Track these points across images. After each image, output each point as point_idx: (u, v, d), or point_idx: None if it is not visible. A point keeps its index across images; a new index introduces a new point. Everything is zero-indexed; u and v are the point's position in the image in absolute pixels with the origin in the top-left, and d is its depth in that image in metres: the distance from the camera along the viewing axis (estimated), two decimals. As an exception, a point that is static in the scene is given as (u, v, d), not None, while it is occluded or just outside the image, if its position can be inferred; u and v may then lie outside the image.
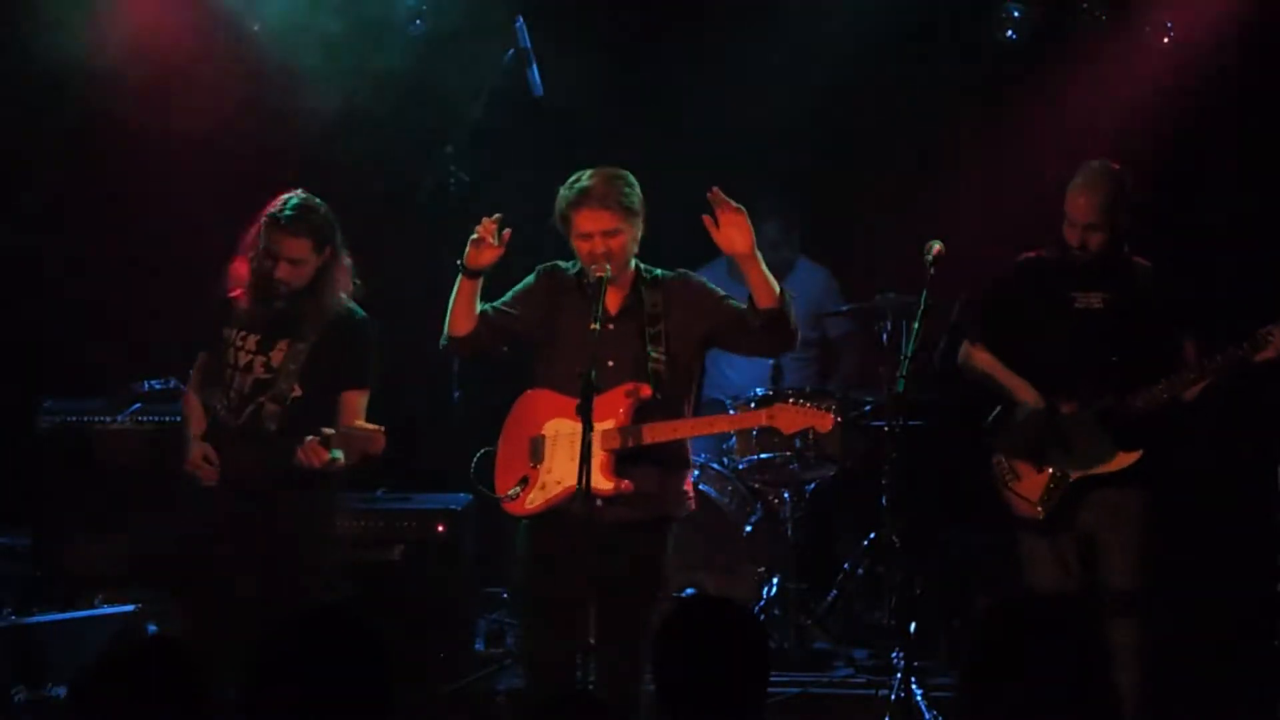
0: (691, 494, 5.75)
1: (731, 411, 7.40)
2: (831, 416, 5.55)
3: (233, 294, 6.04)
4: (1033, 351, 6.25)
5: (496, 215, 5.58)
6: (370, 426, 5.82)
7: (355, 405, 5.97)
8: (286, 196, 5.97)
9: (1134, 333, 6.13)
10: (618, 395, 5.53)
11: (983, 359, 6.32)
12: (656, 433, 5.54)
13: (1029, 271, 6.29)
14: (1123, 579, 6.09)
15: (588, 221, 5.56)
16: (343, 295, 6.03)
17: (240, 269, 6.04)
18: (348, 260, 6.04)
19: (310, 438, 5.76)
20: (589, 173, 5.62)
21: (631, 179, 5.64)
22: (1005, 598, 3.57)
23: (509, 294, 5.78)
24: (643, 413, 5.56)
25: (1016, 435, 6.22)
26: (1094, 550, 6.14)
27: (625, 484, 5.48)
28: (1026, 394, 6.19)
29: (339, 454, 5.76)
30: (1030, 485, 6.19)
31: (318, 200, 6.00)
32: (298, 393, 5.89)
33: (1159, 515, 6.15)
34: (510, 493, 5.68)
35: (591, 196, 5.55)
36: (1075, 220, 6.11)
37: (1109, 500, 6.12)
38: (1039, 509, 6.17)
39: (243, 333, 5.99)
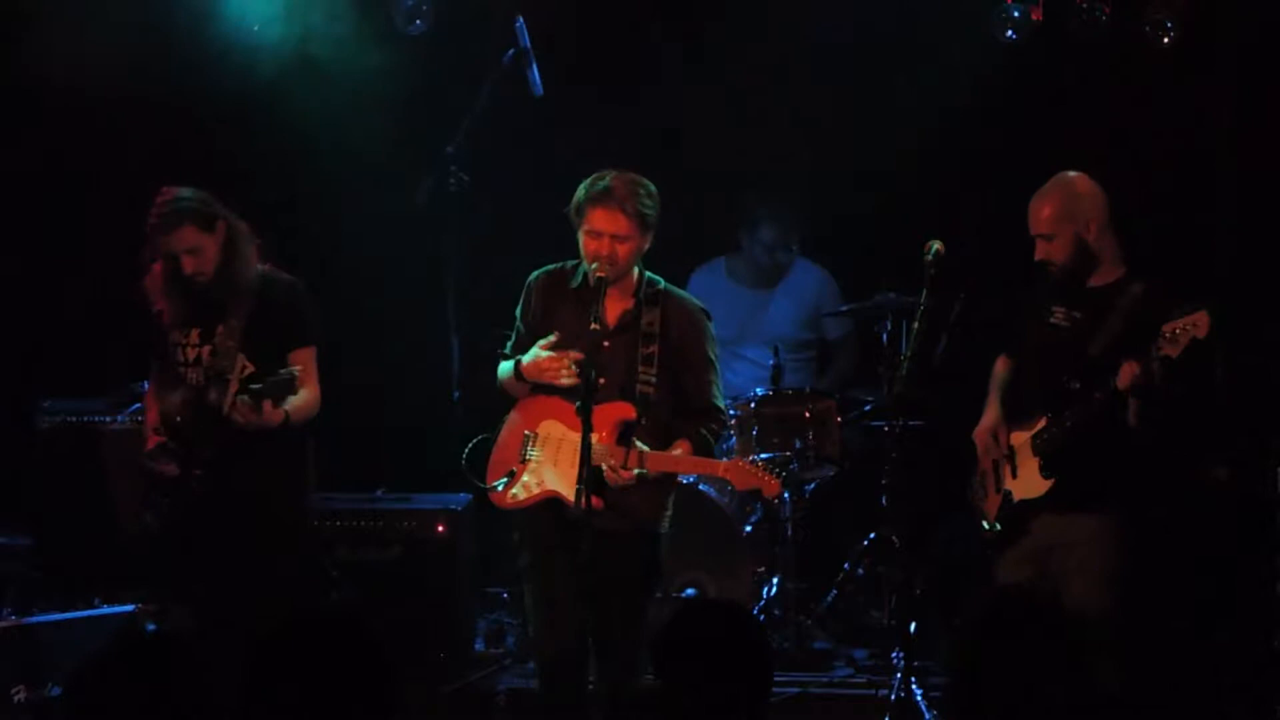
0: (669, 510, 5.77)
1: (732, 411, 7.42)
2: (779, 484, 5.62)
3: (157, 307, 6.10)
4: (1016, 368, 6.20)
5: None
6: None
7: (304, 362, 6.00)
8: (159, 198, 6.02)
9: (1082, 355, 5.91)
10: (606, 412, 5.54)
11: (996, 372, 6.25)
12: (655, 462, 5.56)
13: (1034, 282, 6.18)
14: (1081, 603, 5.81)
15: (601, 220, 5.56)
16: (255, 262, 6.08)
17: (151, 282, 6.10)
18: (242, 225, 6.07)
19: (239, 397, 5.83)
20: (614, 173, 5.62)
21: (653, 191, 5.63)
22: (988, 597, 3.57)
23: (519, 326, 5.82)
24: (628, 434, 5.58)
25: (983, 453, 6.17)
26: (1047, 576, 5.97)
27: (597, 501, 5.47)
28: (988, 411, 6.14)
29: (268, 406, 5.82)
30: (989, 504, 6.13)
31: (183, 189, 6.03)
32: (250, 368, 5.94)
33: (1112, 542, 5.92)
34: (496, 484, 5.72)
35: (612, 197, 5.55)
36: (1033, 233, 5.95)
37: (1052, 525, 5.96)
38: (993, 528, 6.10)
39: (184, 330, 6.07)
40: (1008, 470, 6.07)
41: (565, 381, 5.58)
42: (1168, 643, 6.90)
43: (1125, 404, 5.72)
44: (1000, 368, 6.25)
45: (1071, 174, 6.01)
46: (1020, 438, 6.03)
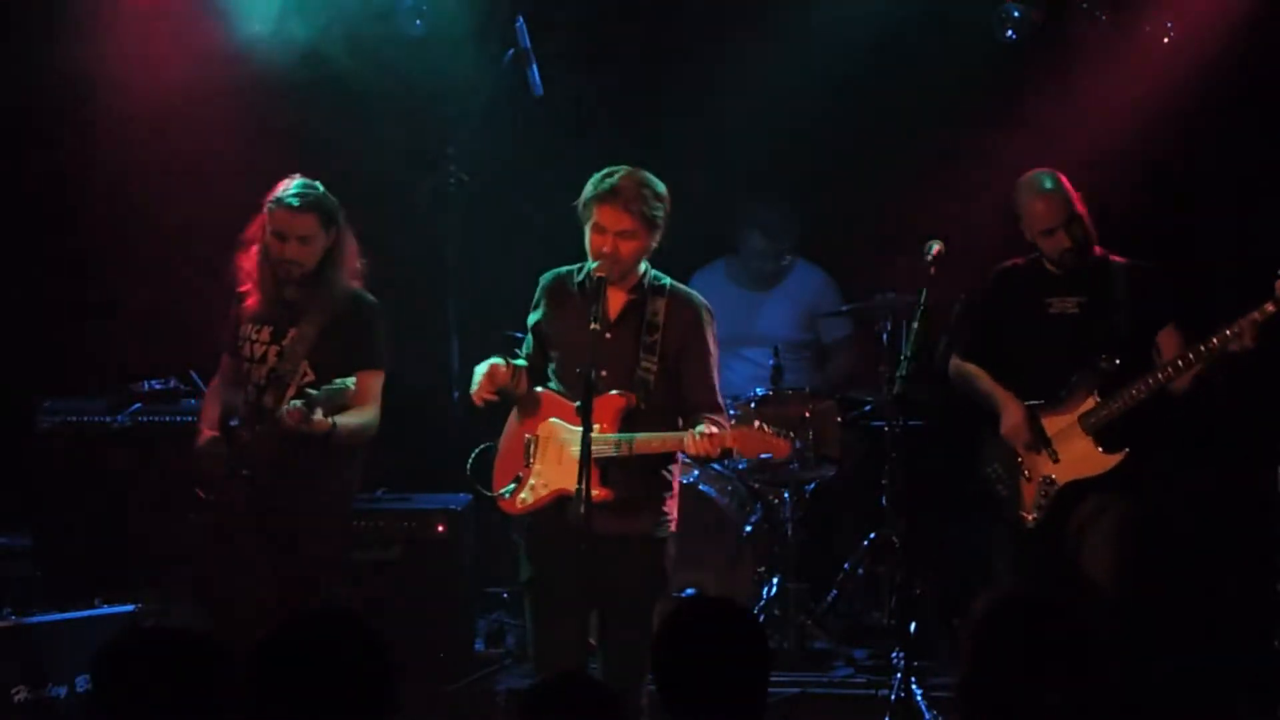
0: (674, 516, 5.74)
1: (732, 411, 7.42)
2: (789, 444, 5.54)
3: (243, 289, 6.07)
4: (1015, 361, 6.28)
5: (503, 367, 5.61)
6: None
7: (368, 386, 5.98)
8: (289, 180, 6.03)
9: (1113, 334, 6.13)
10: (605, 403, 5.52)
11: (968, 370, 6.34)
12: (645, 445, 5.54)
13: (1006, 281, 6.33)
14: (1099, 586, 6.03)
15: (606, 217, 5.58)
16: (350, 279, 6.07)
17: (246, 262, 6.07)
18: (354, 242, 6.09)
19: (294, 402, 5.79)
20: (624, 171, 5.62)
21: (661, 190, 5.64)
22: (1001, 597, 3.57)
23: (530, 329, 5.81)
24: (629, 422, 5.57)
25: (1004, 445, 6.23)
26: (1079, 552, 6.13)
27: (606, 493, 5.47)
28: (1010, 404, 6.21)
29: (319, 414, 5.76)
30: (1020, 494, 6.19)
31: (318, 183, 6.06)
32: (310, 376, 5.90)
33: (1141, 522, 6.15)
34: (504, 491, 5.71)
35: (617, 196, 5.56)
36: (1053, 225, 6.15)
37: (1094, 506, 6.12)
38: (1030, 517, 6.17)
39: (257, 326, 6.05)
40: (1044, 458, 6.11)
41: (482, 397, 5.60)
42: (1159, 635, 6.93)
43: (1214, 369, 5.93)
44: (969, 368, 6.32)
45: (1041, 170, 6.26)
46: (1059, 422, 6.11)
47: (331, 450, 5.92)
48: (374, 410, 6.02)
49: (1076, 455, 6.13)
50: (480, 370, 5.63)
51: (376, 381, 6.04)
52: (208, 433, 6.06)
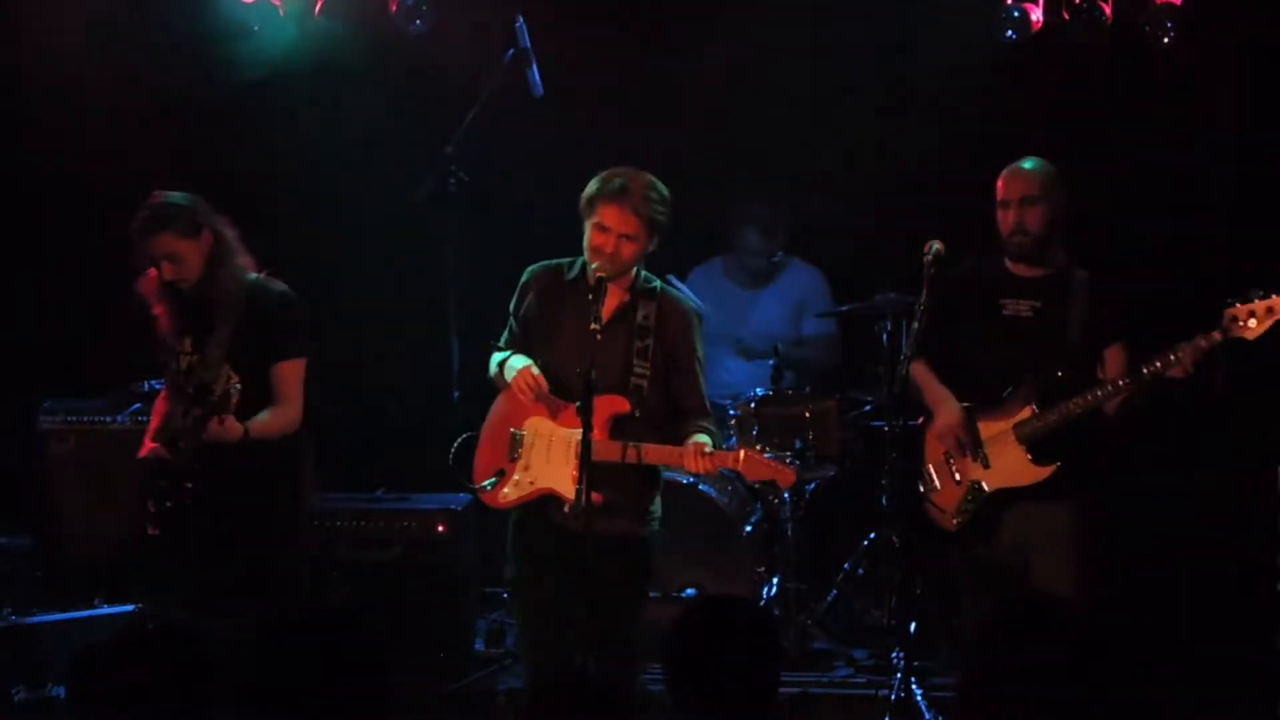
0: (659, 515, 5.75)
1: (732, 411, 7.43)
2: (793, 473, 5.59)
3: (155, 311, 6.02)
4: (964, 359, 6.16)
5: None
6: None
7: (287, 376, 5.93)
8: (143, 205, 5.94)
9: (1061, 343, 5.98)
10: (596, 408, 5.47)
11: (918, 371, 6.18)
12: (655, 454, 5.54)
13: (965, 279, 6.22)
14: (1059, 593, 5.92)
15: (611, 217, 5.57)
16: (243, 271, 5.99)
17: (145, 286, 6.02)
18: (231, 233, 5.97)
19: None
20: (630, 172, 5.62)
21: (667, 196, 5.64)
22: (1004, 601, 3.57)
23: (512, 321, 5.81)
24: (620, 426, 5.56)
25: (934, 446, 6.16)
26: (1027, 565, 6.00)
27: (594, 496, 5.43)
28: (946, 405, 6.10)
29: (214, 422, 5.71)
30: (947, 496, 6.11)
31: (172, 194, 5.94)
32: (234, 379, 5.76)
33: (1090, 528, 5.97)
34: (485, 483, 5.71)
35: (626, 197, 5.56)
36: (1009, 199, 6.04)
37: (1031, 514, 5.98)
38: (954, 520, 6.08)
39: (179, 339, 5.99)
40: (970, 462, 6.06)
41: (524, 398, 5.62)
42: (1159, 636, 6.93)
43: (1147, 389, 5.78)
44: (920, 369, 6.17)
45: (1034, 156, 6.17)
46: (994, 428, 6.03)
47: (270, 449, 5.88)
48: (295, 402, 5.95)
49: (1006, 464, 5.99)
50: (518, 366, 5.63)
51: (294, 370, 5.96)
52: (149, 445, 5.97)
